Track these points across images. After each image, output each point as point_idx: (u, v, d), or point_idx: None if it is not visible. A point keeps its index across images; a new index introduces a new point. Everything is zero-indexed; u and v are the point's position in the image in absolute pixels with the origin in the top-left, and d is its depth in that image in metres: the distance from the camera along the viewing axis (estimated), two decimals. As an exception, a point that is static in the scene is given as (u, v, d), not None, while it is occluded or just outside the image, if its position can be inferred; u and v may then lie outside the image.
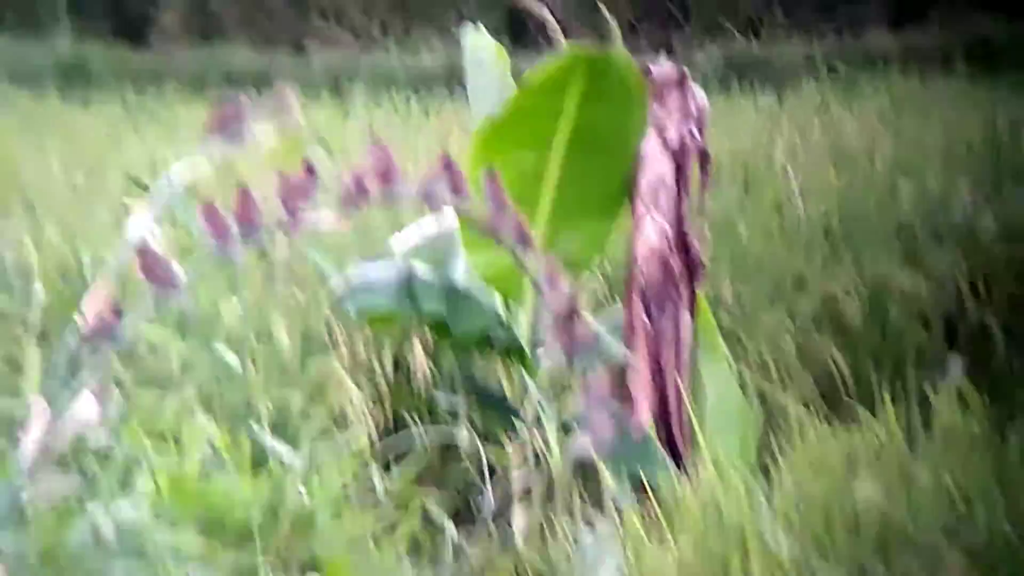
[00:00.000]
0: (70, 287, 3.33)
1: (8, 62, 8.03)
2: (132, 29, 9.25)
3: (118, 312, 1.50)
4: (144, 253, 1.49)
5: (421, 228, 3.30)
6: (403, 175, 1.46)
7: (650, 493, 2.40)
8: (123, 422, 2.15)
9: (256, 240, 1.49)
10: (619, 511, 2.33)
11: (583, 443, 1.38)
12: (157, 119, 6.41)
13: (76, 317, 1.76)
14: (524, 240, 1.47)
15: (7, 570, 1.76)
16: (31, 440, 1.73)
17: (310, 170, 1.49)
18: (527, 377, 3.02)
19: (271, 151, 1.97)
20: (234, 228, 1.47)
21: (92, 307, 1.83)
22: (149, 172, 4.32)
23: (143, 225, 1.77)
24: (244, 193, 1.50)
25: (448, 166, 1.47)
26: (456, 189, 1.47)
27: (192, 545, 1.94)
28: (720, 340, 3.08)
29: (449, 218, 3.23)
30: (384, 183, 1.46)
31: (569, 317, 1.42)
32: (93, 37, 8.97)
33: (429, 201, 1.49)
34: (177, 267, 1.50)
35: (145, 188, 1.89)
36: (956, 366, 2.40)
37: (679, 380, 2.95)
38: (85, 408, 1.65)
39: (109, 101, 7.10)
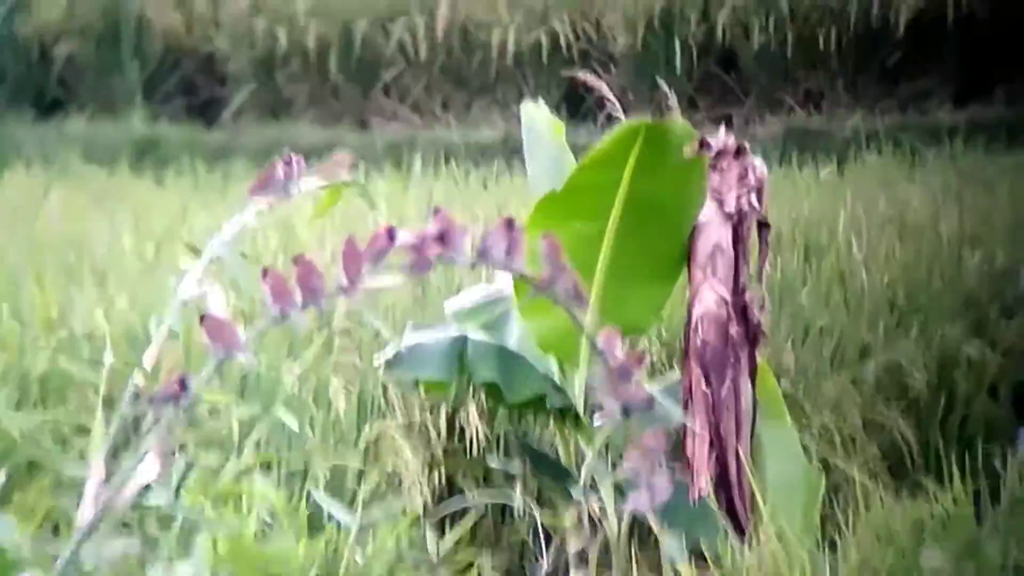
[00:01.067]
0: (138, 355, 3.40)
1: (84, 141, 8.34)
2: (204, 109, 9.57)
3: (183, 382, 1.51)
4: (208, 317, 1.51)
5: (475, 293, 3.32)
6: (462, 239, 1.45)
7: (710, 562, 2.35)
8: (184, 484, 2.17)
9: (318, 307, 1.48)
10: (677, 579, 2.28)
11: (639, 500, 1.33)
12: (226, 194, 6.58)
13: (135, 376, 1.79)
14: (579, 299, 1.45)
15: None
16: (89, 501, 1.74)
17: (390, 234, 1.50)
18: (582, 441, 2.99)
19: (318, 201, 2.01)
20: (296, 296, 1.47)
21: (150, 366, 1.86)
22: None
23: (195, 282, 1.80)
24: (304, 261, 1.51)
25: (509, 226, 1.46)
26: (513, 249, 1.46)
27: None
28: (784, 407, 3.03)
29: (503, 282, 3.25)
30: (443, 246, 1.45)
31: (625, 377, 1.39)
32: (166, 117, 9.30)
33: (486, 261, 1.47)
34: (240, 331, 1.51)
35: (198, 253, 1.92)
36: (1026, 436, 2.33)
37: (739, 448, 2.90)
38: (147, 470, 1.66)
39: (180, 178, 7.30)
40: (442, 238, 1.46)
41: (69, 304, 3.80)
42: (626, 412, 1.37)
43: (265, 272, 1.49)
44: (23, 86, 9.36)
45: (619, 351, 1.41)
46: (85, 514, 1.69)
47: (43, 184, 6.57)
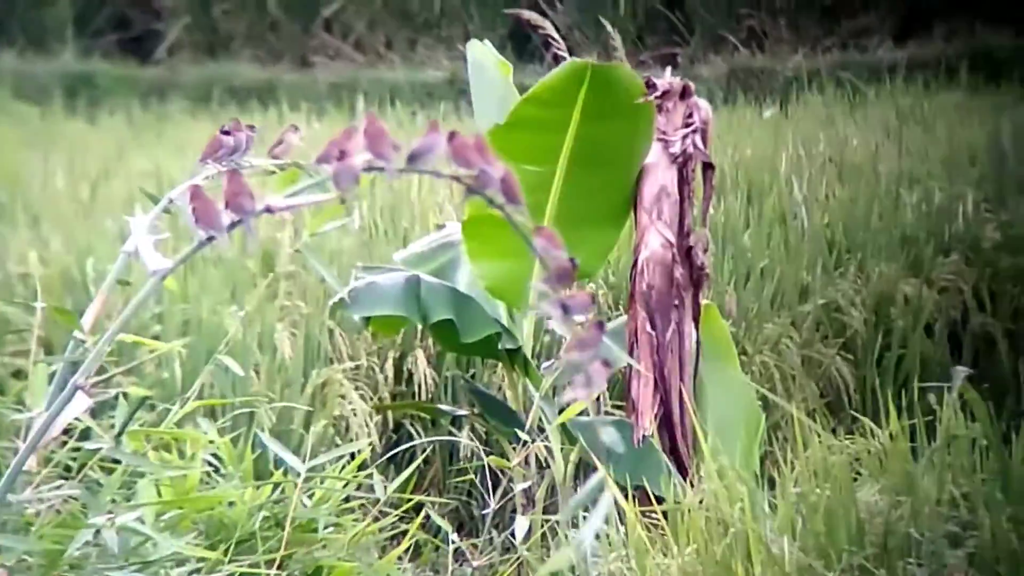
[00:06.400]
0: (74, 299, 3.34)
1: (14, 78, 8.07)
2: (138, 45, 9.31)
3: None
4: (196, 196, 1.44)
5: (424, 240, 3.31)
6: (390, 145, 1.38)
7: (653, 501, 2.39)
8: (125, 429, 2.14)
9: (247, 226, 1.40)
10: (622, 518, 2.32)
11: (577, 389, 1.32)
12: (162, 134, 6.43)
13: (76, 328, 1.76)
14: (513, 198, 1.40)
15: (9, 576, 1.75)
16: (26, 443, 1.72)
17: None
18: (529, 384, 3.01)
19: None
20: (223, 217, 1.40)
21: (94, 316, 1.82)
22: (155, 186, 4.34)
23: (143, 229, 1.75)
24: (233, 175, 1.45)
25: (450, 137, 1.40)
26: (455, 155, 1.39)
27: (194, 553, 1.94)
28: (732, 348, 3.07)
29: (451, 230, 3.23)
30: (374, 153, 1.36)
31: (564, 277, 1.35)
32: (99, 53, 9.03)
33: (417, 166, 1.38)
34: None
35: (155, 201, 1.87)
36: (960, 375, 2.39)
37: (683, 389, 2.95)
38: (77, 405, 1.63)
39: (115, 116, 7.13)
40: (373, 145, 1.38)
41: (3, 245, 3.72)
42: (566, 310, 1.34)
43: (194, 193, 1.43)
44: (-50, 19, 9.04)
45: (559, 250, 1.37)
46: (21, 458, 1.67)
47: (-27, 122, 6.37)
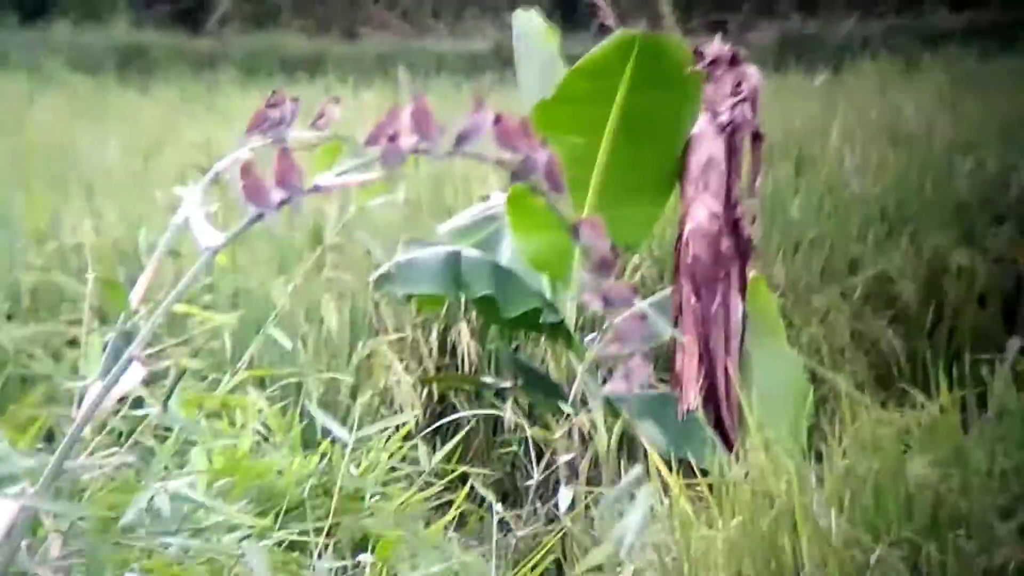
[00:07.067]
0: (127, 267, 3.40)
1: (68, 48, 8.19)
2: (189, 16, 9.40)
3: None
4: (246, 172, 1.44)
5: (468, 213, 3.31)
6: (437, 128, 1.37)
7: (698, 475, 2.38)
8: (173, 395, 2.18)
9: (296, 204, 1.40)
10: (666, 491, 2.31)
11: (616, 384, 1.31)
12: (212, 105, 6.48)
13: (124, 301, 1.78)
14: (556, 185, 1.38)
15: (63, 542, 1.79)
16: (81, 413, 1.75)
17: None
18: (572, 357, 3.01)
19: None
20: (273, 194, 1.40)
21: (145, 286, 1.85)
22: (205, 157, 4.38)
23: (193, 201, 1.77)
24: (283, 153, 1.44)
25: (480, 105, 1.39)
26: (500, 139, 1.37)
27: (245, 520, 1.97)
28: (779, 321, 3.04)
29: (495, 202, 3.23)
30: (420, 136, 1.35)
31: (606, 268, 1.34)
32: (151, 24, 9.14)
33: (463, 150, 1.37)
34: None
35: (205, 172, 1.88)
36: (1014, 346, 2.35)
37: (728, 362, 2.93)
38: (132, 376, 1.65)
39: (166, 87, 7.20)
40: (419, 127, 1.37)
41: (57, 215, 3.78)
42: (607, 302, 1.33)
43: (244, 169, 1.42)
44: (6, -10, 9.19)
45: (603, 240, 1.35)
46: (76, 427, 1.70)
47: (28, 91, 6.47)
